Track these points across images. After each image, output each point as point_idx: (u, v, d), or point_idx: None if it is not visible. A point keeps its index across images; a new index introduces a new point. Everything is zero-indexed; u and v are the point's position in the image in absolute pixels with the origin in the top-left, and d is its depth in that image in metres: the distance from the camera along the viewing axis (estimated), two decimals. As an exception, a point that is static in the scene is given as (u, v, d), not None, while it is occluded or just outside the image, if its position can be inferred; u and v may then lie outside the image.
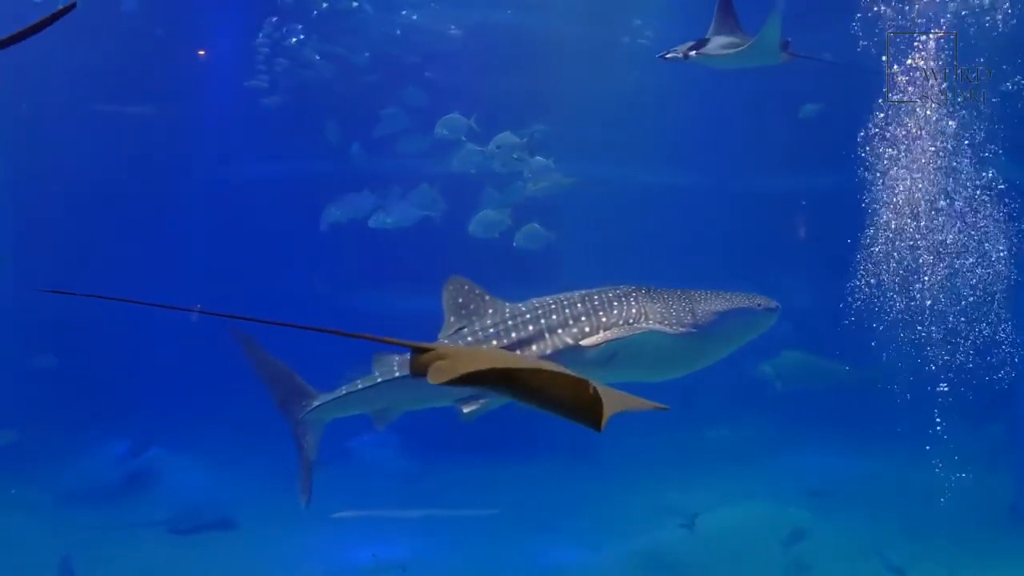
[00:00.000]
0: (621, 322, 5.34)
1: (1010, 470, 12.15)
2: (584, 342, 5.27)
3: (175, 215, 14.93)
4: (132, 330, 14.36)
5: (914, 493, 11.47)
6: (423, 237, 13.70)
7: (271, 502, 12.10)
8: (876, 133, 6.80)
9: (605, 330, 5.29)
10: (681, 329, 5.33)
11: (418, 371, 2.36)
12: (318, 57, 14.95)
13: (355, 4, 14.93)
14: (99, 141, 14.70)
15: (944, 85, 5.85)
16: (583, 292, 5.59)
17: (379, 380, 5.40)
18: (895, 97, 5.92)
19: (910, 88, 5.93)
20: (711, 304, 5.43)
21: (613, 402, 2.08)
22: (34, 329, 14.21)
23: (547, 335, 5.32)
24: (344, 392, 5.53)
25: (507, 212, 12.71)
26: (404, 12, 15.31)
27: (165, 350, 14.09)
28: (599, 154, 15.19)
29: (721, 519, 11.39)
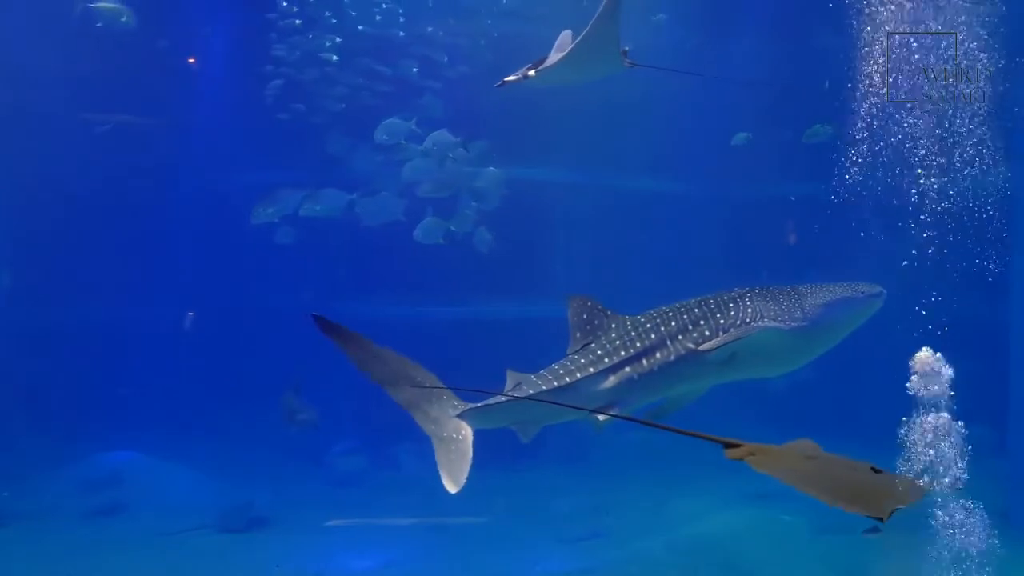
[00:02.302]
0: (738, 322, 5.69)
1: (1000, 474, 12.16)
2: (703, 347, 5.62)
3: (170, 223, 14.91)
4: (117, 338, 14.36)
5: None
6: (413, 244, 13.75)
7: (264, 509, 12.14)
8: (860, 139, 6.83)
9: (723, 332, 5.65)
10: (793, 324, 5.70)
11: (734, 458, 2.78)
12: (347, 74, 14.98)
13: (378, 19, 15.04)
14: (95, 149, 14.70)
15: (943, 85, 5.96)
16: (699, 298, 5.93)
17: (530, 392, 5.63)
18: (894, 97, 6.01)
19: (908, 88, 6.03)
20: (818, 297, 5.76)
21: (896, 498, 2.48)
22: (25, 336, 14.16)
23: (668, 342, 5.69)
24: (493, 403, 5.66)
25: (472, 219, 13.53)
26: (414, 21, 15.36)
27: (152, 359, 14.08)
28: (595, 160, 15.30)
29: (717, 524, 11.41)
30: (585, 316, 5.92)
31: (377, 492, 12.74)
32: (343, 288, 15.22)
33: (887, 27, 6.06)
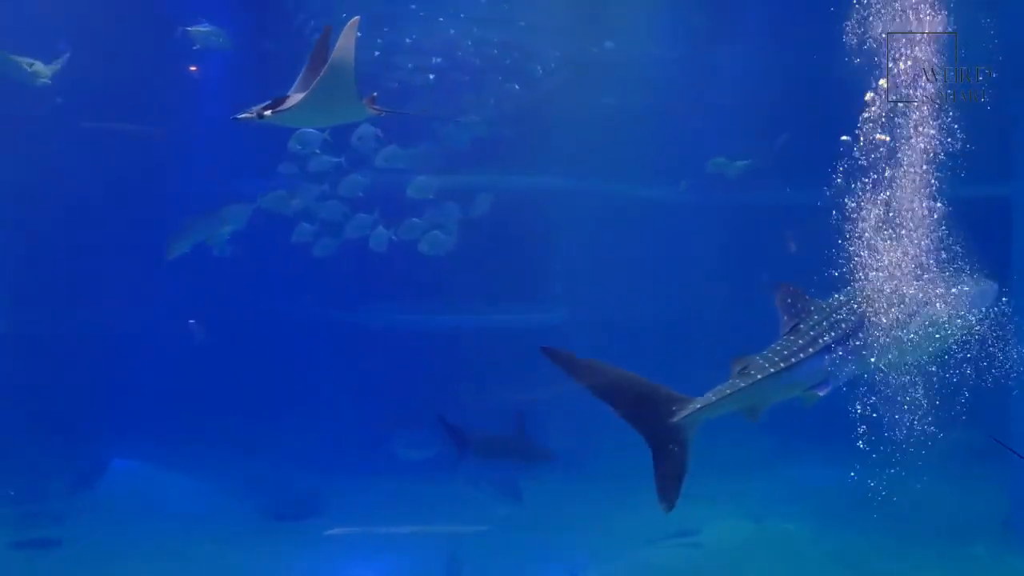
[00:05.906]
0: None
1: (999, 480, 12.09)
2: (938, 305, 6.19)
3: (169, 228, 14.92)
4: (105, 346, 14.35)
5: (904, 504, 11.45)
6: (408, 252, 13.80)
7: (260, 516, 12.12)
8: (860, 141, 6.84)
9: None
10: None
11: None
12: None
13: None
14: (97, 153, 14.71)
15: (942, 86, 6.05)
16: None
17: (759, 378, 5.93)
18: (893, 97, 6.07)
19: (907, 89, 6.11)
20: (969, 286, 6.35)
21: None
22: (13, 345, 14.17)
23: (865, 322, 6.23)
24: (715, 399, 5.80)
25: (419, 227, 13.68)
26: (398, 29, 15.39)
27: (142, 367, 14.09)
28: (588, 166, 15.34)
29: (720, 533, 11.37)
30: (790, 301, 6.49)
31: (381, 498, 12.70)
32: (343, 294, 15.23)
33: (886, 27, 6.12)
